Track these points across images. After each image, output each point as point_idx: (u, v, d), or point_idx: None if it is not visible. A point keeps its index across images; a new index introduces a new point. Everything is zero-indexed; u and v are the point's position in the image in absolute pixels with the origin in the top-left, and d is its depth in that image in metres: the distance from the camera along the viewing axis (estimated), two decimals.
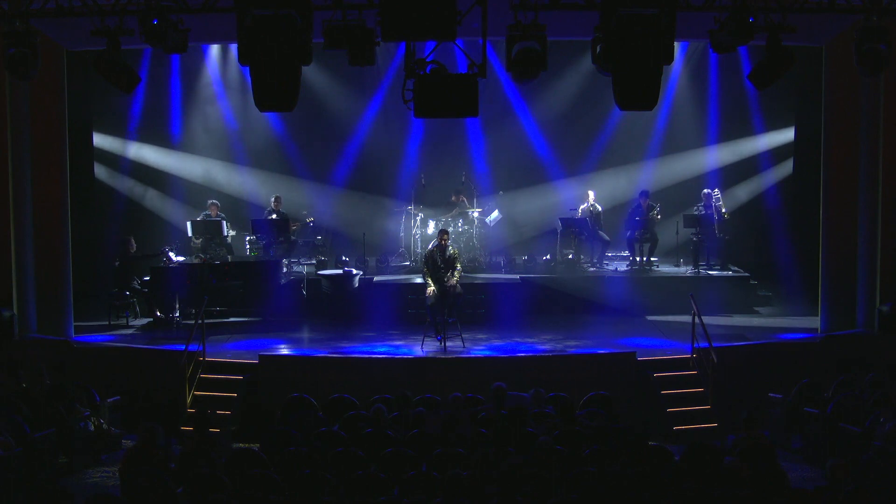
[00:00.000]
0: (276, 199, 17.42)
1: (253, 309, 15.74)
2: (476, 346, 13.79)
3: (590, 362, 13.01)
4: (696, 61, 18.39)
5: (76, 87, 14.97)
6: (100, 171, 17.54)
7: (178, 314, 15.31)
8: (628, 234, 17.24)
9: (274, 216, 17.15)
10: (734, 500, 7.58)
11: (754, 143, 18.38)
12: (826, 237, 14.34)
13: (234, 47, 16.36)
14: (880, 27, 9.99)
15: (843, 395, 10.99)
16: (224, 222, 16.68)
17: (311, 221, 17.56)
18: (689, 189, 18.23)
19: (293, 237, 17.28)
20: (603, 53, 9.20)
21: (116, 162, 17.96)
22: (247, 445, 10.83)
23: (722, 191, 17.48)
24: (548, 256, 17.55)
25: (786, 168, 17.94)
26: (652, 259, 17.21)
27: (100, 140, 17.49)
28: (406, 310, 15.56)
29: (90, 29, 10.02)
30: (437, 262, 13.76)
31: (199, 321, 13.35)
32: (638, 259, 17.16)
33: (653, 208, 17.01)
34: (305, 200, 18.53)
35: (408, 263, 17.62)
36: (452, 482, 7.80)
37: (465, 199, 17.82)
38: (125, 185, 18.07)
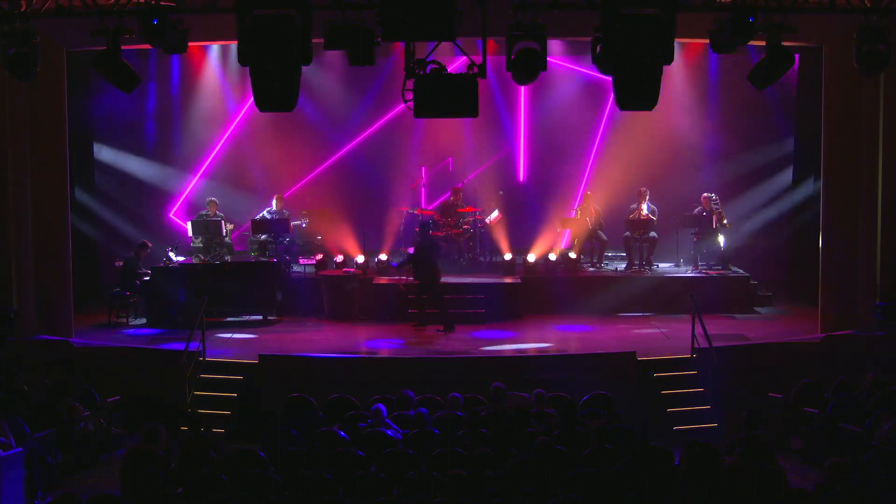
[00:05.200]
0: (279, 198, 17.33)
1: (253, 309, 15.74)
2: (476, 345, 13.78)
3: (590, 362, 13.01)
4: (696, 61, 18.36)
5: (76, 88, 14.94)
6: (100, 171, 17.50)
7: (178, 314, 15.28)
8: (626, 233, 17.22)
9: (274, 216, 17.12)
10: (734, 500, 7.58)
11: (754, 143, 18.33)
12: (825, 237, 14.32)
13: (234, 47, 16.32)
14: (880, 27, 10.00)
15: (843, 395, 10.99)
16: (223, 221, 16.65)
17: (304, 223, 17.54)
18: (689, 189, 18.19)
19: (292, 237, 17.24)
20: (603, 53, 9.20)
21: (116, 162, 17.92)
22: (247, 445, 10.82)
23: (721, 192, 17.46)
24: (548, 256, 17.51)
25: (785, 168, 17.92)
26: (651, 259, 17.20)
27: (100, 141, 17.44)
28: (406, 310, 15.55)
29: (90, 29, 10.02)
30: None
31: (199, 321, 13.36)
32: (636, 259, 17.13)
33: (651, 209, 17.01)
34: (305, 200, 18.50)
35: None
36: (452, 482, 7.80)
37: (462, 196, 17.75)
38: (125, 185, 18.04)
